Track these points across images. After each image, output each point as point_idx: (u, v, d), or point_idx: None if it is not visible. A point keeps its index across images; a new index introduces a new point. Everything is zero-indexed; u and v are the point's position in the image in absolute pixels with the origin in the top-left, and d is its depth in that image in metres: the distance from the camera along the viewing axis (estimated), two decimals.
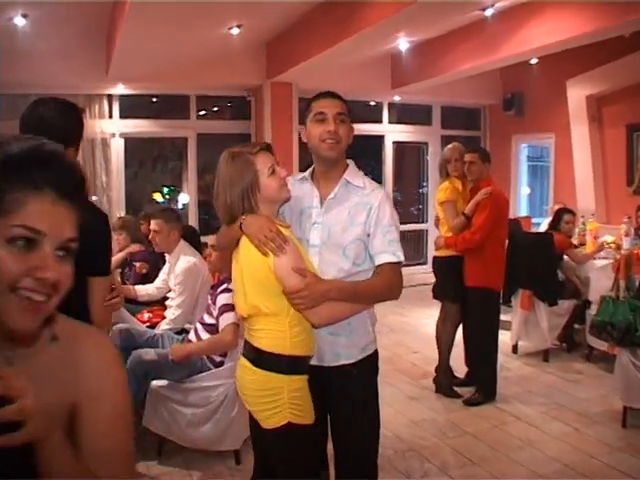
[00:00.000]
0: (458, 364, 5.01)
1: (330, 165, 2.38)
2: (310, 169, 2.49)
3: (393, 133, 9.75)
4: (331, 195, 2.36)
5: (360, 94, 8.98)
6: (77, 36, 6.67)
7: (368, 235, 2.30)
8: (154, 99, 8.48)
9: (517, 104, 9.21)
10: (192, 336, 3.87)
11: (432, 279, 5.15)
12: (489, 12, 5.63)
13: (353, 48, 6.24)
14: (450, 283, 4.83)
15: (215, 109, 8.98)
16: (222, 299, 3.61)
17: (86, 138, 7.53)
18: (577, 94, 8.07)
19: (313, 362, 2.31)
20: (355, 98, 9.07)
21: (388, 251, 2.29)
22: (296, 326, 2.18)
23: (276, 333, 2.18)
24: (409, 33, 6.49)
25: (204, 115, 8.68)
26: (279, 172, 2.21)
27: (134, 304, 4.80)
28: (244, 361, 2.26)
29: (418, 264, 9.86)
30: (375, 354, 2.47)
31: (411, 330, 6.81)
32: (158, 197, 9.22)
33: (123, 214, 7.50)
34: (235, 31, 6.30)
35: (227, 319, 3.54)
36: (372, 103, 9.63)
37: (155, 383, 3.75)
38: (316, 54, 6.46)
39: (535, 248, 5.67)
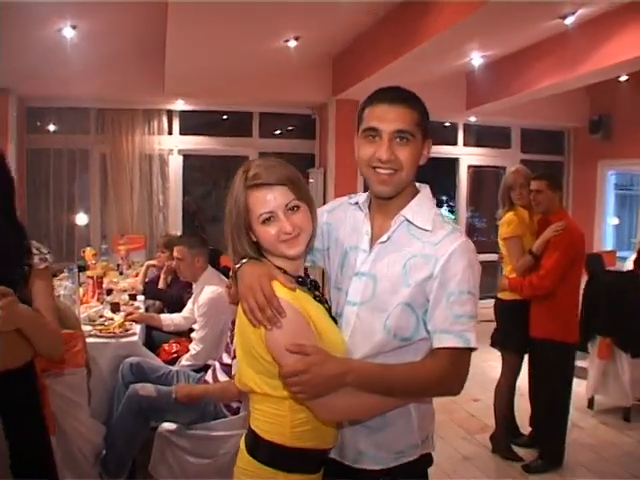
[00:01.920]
0: (525, 419, 4.37)
1: (386, 198, 1.72)
2: (367, 194, 1.82)
3: (468, 156, 9.13)
4: (383, 238, 1.70)
5: (432, 114, 8.32)
6: (131, 49, 6.45)
7: (428, 300, 1.62)
8: (224, 116, 8.30)
9: (604, 126, 8.39)
10: (209, 376, 3.50)
11: None
12: (569, 20, 5.00)
13: (420, 60, 5.77)
14: (513, 331, 4.17)
15: (280, 128, 8.67)
16: None
17: (143, 154, 7.39)
18: None
19: (333, 455, 1.76)
20: None
21: (452, 331, 1.58)
22: (301, 412, 1.62)
23: (273, 417, 1.64)
24: (481, 46, 5.94)
25: (270, 134, 8.37)
26: (281, 225, 1.60)
27: (164, 332, 4.51)
28: (242, 442, 1.74)
29: (490, 297, 9.15)
30: (421, 461, 1.77)
31: (475, 373, 5.96)
32: None
33: (179, 233, 7.24)
34: (292, 43, 5.95)
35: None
36: (446, 124, 9.09)
37: (164, 427, 3.38)
38: (380, 68, 6.05)
39: (618, 289, 4.94)
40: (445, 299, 1.59)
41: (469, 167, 9.17)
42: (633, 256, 5.86)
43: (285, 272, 1.66)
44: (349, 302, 1.72)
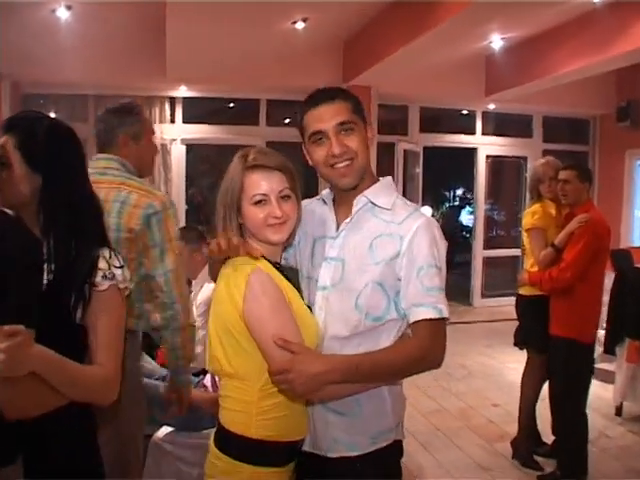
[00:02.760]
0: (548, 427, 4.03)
1: (350, 190, 1.79)
2: (330, 188, 1.91)
3: (487, 146, 8.85)
4: (347, 219, 1.77)
5: (449, 101, 8.20)
6: (130, 31, 6.18)
7: (399, 280, 1.69)
8: (230, 104, 8.03)
9: (633, 114, 8.04)
10: (207, 381, 3.30)
11: None
12: None
13: (435, 44, 5.52)
14: (535, 328, 3.95)
15: (288, 116, 8.37)
16: None
17: None
18: None
19: (306, 447, 1.75)
20: (443, 106, 8.33)
21: (425, 303, 1.65)
22: (269, 399, 1.62)
23: (239, 404, 1.64)
24: (501, 27, 5.64)
25: (278, 122, 8.07)
26: (271, 209, 1.66)
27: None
28: (212, 435, 1.74)
29: (512, 295, 8.81)
30: (394, 447, 1.79)
31: (494, 376, 5.82)
32: None
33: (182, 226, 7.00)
34: (300, 25, 5.67)
35: None
36: (464, 112, 8.77)
37: (157, 435, 3.18)
38: (393, 53, 5.84)
39: None
40: (415, 274, 1.66)
41: (488, 157, 8.91)
42: None
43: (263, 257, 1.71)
44: (319, 287, 1.77)
